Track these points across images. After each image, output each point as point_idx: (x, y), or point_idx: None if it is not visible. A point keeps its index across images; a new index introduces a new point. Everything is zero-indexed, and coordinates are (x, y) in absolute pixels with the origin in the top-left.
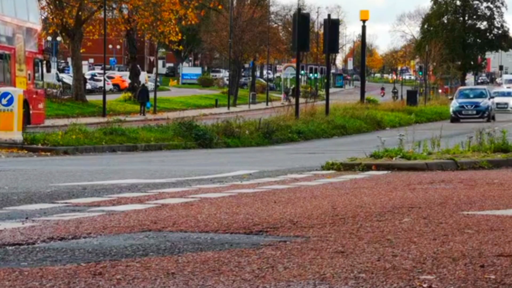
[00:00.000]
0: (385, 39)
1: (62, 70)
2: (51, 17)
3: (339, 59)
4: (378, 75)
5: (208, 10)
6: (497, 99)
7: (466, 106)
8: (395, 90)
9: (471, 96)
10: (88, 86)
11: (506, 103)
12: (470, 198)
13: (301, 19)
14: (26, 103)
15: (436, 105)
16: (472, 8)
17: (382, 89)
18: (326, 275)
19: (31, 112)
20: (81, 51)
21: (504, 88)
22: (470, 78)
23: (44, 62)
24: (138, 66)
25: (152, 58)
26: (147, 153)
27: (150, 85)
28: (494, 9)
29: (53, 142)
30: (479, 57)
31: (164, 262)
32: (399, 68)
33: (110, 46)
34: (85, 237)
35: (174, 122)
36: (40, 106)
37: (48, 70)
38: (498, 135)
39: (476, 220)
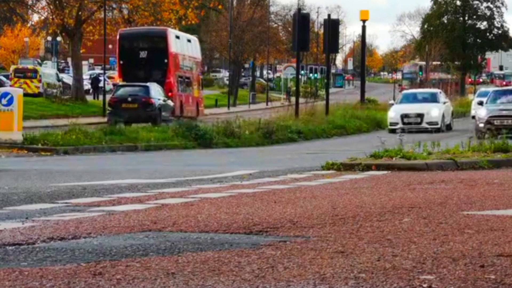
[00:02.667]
0: (385, 39)
1: (62, 70)
2: (51, 17)
3: (339, 59)
4: (385, 73)
5: (208, 10)
6: (405, 108)
7: None
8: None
9: None
10: (88, 86)
11: (420, 115)
12: (470, 198)
13: (301, 19)
14: (197, 104)
15: None
16: (472, 8)
17: (400, 85)
18: (326, 275)
19: (199, 109)
20: (81, 51)
21: (418, 89)
22: None
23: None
24: None
25: None
26: (147, 153)
27: None
28: (494, 9)
29: (53, 142)
30: (479, 57)
31: (164, 262)
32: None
33: (110, 46)
34: (85, 237)
35: (174, 122)
36: (202, 105)
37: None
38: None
39: (476, 220)
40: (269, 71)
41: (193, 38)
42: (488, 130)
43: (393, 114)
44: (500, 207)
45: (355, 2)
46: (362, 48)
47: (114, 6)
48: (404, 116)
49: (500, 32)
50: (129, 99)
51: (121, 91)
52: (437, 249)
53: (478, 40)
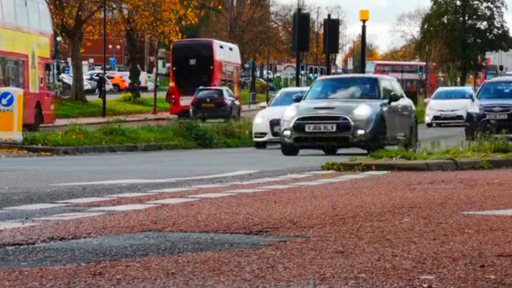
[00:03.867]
0: (385, 39)
1: (62, 70)
2: (51, 17)
3: (339, 59)
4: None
5: (208, 10)
6: (277, 113)
7: None
8: None
9: None
10: (88, 86)
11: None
12: (470, 198)
13: (301, 19)
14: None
15: None
16: (472, 8)
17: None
18: (326, 275)
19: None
20: (81, 51)
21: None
22: None
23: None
24: (138, 66)
25: (152, 58)
26: (147, 153)
27: (150, 85)
28: (494, 9)
29: (53, 142)
30: (479, 57)
31: (164, 262)
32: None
33: (110, 46)
34: (85, 237)
35: (174, 122)
36: (241, 103)
37: (242, 87)
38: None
39: (476, 220)
40: (269, 71)
41: (234, 47)
42: (297, 142)
43: (260, 120)
44: (500, 207)
45: (355, 2)
46: (362, 48)
47: (114, 6)
48: (274, 124)
49: (500, 32)
50: (208, 99)
51: (200, 94)
52: (437, 249)
53: (478, 40)
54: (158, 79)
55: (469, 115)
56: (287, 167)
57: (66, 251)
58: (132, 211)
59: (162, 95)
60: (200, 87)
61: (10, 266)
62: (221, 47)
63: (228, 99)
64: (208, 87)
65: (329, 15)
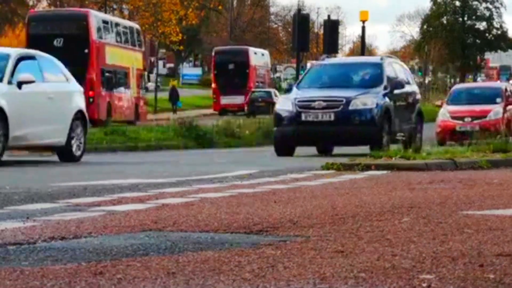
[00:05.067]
0: (385, 39)
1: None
2: None
3: None
4: None
5: (208, 10)
6: None
7: None
8: None
9: None
10: None
11: None
12: (470, 197)
13: (301, 19)
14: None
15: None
16: (471, 9)
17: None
18: (326, 274)
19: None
20: None
21: None
22: None
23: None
24: None
25: (152, 59)
26: (147, 153)
27: (150, 86)
28: (493, 9)
29: None
30: (478, 57)
31: (164, 262)
32: None
33: None
34: (86, 237)
35: (174, 122)
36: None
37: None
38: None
39: (475, 219)
40: None
41: (265, 52)
42: None
43: None
44: (499, 207)
45: (355, 3)
46: (362, 48)
47: (114, 6)
48: None
49: (499, 32)
50: (260, 99)
51: (253, 95)
52: (437, 248)
53: (477, 40)
54: (158, 79)
55: (277, 115)
56: (287, 167)
57: (67, 250)
58: (133, 211)
59: (162, 95)
60: (253, 89)
61: (11, 265)
62: (255, 53)
63: (275, 99)
64: (259, 89)
65: (329, 16)
